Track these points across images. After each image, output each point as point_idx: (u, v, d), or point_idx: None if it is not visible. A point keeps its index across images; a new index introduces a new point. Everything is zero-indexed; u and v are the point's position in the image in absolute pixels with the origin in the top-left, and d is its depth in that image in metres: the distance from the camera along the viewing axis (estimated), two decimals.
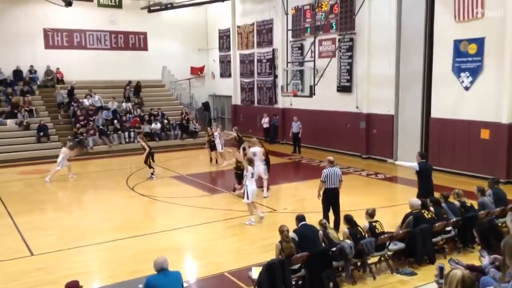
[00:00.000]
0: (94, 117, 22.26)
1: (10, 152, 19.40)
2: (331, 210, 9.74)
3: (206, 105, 28.37)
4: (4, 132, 20.57)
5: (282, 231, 6.99)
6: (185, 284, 6.42)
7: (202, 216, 11.41)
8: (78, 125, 21.48)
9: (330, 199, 9.69)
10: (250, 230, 10.35)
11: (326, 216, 9.50)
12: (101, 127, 21.90)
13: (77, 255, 8.97)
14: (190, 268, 8.57)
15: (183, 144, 22.66)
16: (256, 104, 25.05)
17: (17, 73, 23.52)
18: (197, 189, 14.26)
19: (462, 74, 14.73)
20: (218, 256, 8.85)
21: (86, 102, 23.05)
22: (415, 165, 10.33)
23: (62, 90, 23.61)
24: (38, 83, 23.92)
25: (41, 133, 20.60)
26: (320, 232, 7.39)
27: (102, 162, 19.42)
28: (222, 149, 17.66)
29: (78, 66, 24.38)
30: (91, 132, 21.36)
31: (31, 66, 23.89)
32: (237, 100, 26.52)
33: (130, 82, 25.21)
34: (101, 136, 21.56)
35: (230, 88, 26.79)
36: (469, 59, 14.49)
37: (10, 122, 21.01)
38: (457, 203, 9.04)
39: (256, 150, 12.77)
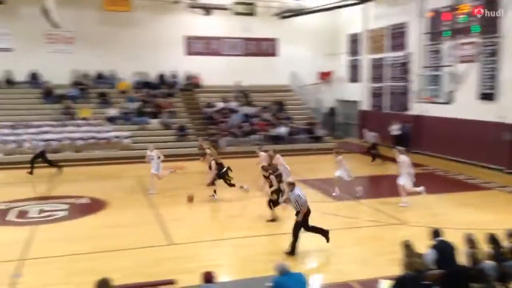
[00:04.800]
0: (227, 119, 23.59)
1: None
2: None
3: (332, 110, 28.23)
4: (149, 130, 22.82)
5: (407, 245, 6.71)
6: None
7: (326, 222, 11.31)
8: (211, 126, 22.97)
9: None
10: (378, 241, 10.08)
11: None
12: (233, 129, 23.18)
13: (210, 248, 9.58)
14: (314, 273, 8.59)
15: (309, 148, 22.83)
16: (385, 110, 24.25)
17: (161, 77, 25.87)
18: (322, 194, 14.24)
19: None
20: (342, 265, 8.76)
21: (221, 105, 24.50)
22: None
23: (238, 83, 25.58)
24: (179, 87, 26.01)
25: (181, 133, 22.41)
26: (466, 249, 6.87)
27: (234, 162, 20.26)
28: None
29: (213, 72, 25.87)
30: (224, 133, 22.64)
31: (173, 71, 26.07)
32: (365, 105, 25.96)
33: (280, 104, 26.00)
34: (232, 138, 22.73)
35: (358, 93, 26.32)
36: None
37: (154, 121, 23.21)
38: None
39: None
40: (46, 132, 20.85)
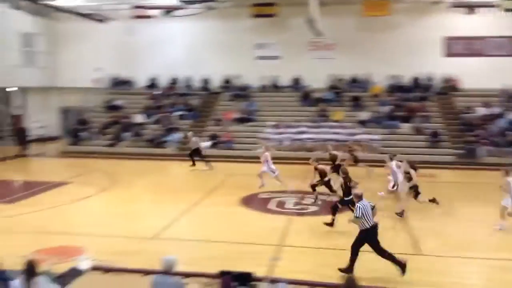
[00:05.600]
0: (488, 126, 21.29)
1: (402, 154, 20.78)
2: None
3: None
4: (399, 135, 22.41)
5: None
6: None
7: None
8: (469, 133, 21.06)
9: None
10: None
11: None
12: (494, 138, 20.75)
13: (461, 265, 8.84)
14: None
15: None
16: None
17: (416, 80, 25.05)
18: None
19: None
20: None
21: (482, 110, 22.29)
22: None
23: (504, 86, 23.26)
24: (435, 90, 24.70)
25: (433, 139, 21.28)
26: None
27: (493, 175, 18.12)
28: None
29: (474, 74, 23.68)
30: (483, 141, 20.49)
31: (429, 74, 24.92)
32: None
33: None
34: (493, 147, 20.37)
35: None
36: None
37: (405, 126, 22.66)
38: None
39: None
40: (303, 132, 22.73)
